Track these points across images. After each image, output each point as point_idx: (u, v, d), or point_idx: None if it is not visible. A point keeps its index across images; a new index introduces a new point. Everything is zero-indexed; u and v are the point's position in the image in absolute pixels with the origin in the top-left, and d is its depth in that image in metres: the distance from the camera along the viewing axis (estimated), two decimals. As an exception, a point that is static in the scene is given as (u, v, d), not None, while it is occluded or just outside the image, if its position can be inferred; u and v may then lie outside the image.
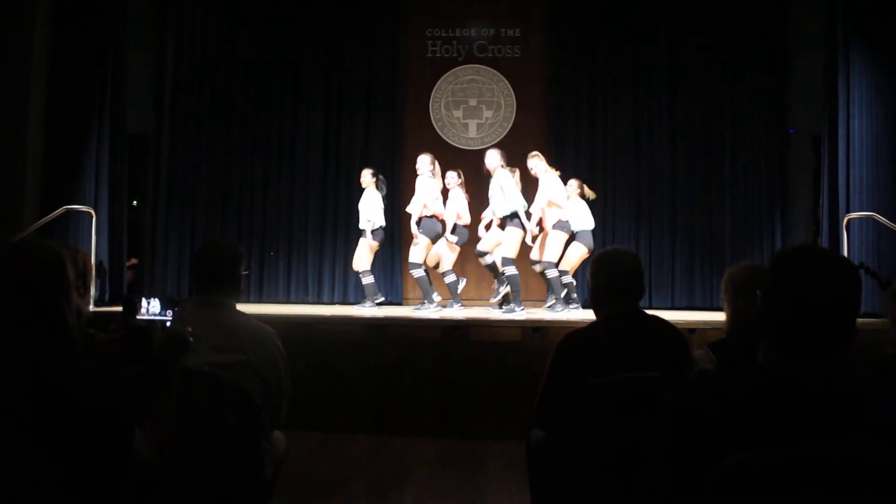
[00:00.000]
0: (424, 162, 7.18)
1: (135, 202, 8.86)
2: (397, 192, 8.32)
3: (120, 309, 1.98)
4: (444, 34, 8.93)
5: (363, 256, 7.37)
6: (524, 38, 8.89)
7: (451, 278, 7.09)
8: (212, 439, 2.24)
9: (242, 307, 2.71)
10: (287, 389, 2.65)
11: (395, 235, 8.39)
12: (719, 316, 3.76)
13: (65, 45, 6.98)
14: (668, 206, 8.39)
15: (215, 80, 8.57)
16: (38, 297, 1.70)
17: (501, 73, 8.90)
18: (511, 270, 6.66)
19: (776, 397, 1.40)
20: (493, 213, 6.94)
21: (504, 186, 6.66)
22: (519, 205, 6.64)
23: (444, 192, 7.19)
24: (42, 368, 1.62)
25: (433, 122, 8.89)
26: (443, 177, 7.22)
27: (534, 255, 7.05)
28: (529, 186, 7.01)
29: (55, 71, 6.95)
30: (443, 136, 8.82)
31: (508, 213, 6.65)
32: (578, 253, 7.00)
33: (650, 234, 8.41)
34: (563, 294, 6.86)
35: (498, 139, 8.53)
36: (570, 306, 6.95)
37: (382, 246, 7.64)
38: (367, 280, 7.39)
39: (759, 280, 1.56)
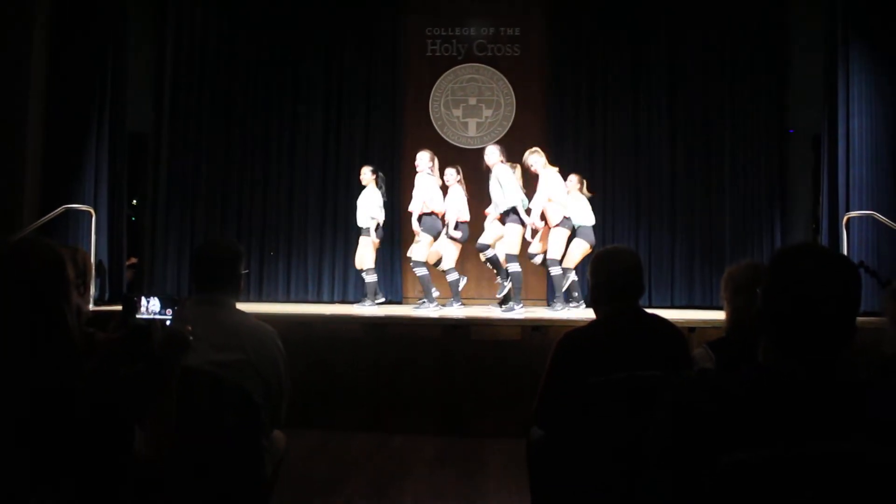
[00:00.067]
0: (423, 159, 7.18)
1: (134, 201, 8.86)
2: (397, 191, 8.32)
3: (119, 308, 1.98)
4: (443, 33, 8.93)
5: (366, 255, 7.37)
6: (524, 37, 8.90)
7: (452, 276, 7.08)
8: (212, 438, 2.24)
9: (242, 306, 2.71)
10: (287, 388, 2.65)
11: (395, 234, 8.39)
12: (719, 315, 3.76)
13: (65, 45, 6.98)
14: (667, 205, 8.39)
15: (215, 79, 8.57)
16: (37, 297, 1.70)
17: (501, 72, 8.90)
18: (514, 267, 6.66)
19: (776, 396, 1.40)
20: (494, 209, 6.93)
21: (503, 182, 6.66)
22: (518, 200, 6.65)
23: (444, 189, 7.19)
24: (42, 367, 1.62)
25: (433, 120, 8.89)
26: (441, 173, 7.22)
27: (533, 249, 7.06)
28: (530, 183, 7.02)
29: (55, 70, 6.95)
30: (442, 135, 8.82)
31: (507, 209, 6.65)
32: (580, 249, 7.01)
33: (650, 232, 8.41)
34: (563, 291, 6.87)
35: (497, 138, 8.52)
36: (571, 304, 6.95)
37: (382, 244, 7.64)
38: (370, 278, 7.38)
39: (759, 279, 1.56)
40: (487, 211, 7.20)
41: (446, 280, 7.18)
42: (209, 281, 2.62)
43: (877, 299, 5.31)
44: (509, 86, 8.87)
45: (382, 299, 7.50)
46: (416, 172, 7.23)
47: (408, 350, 5.53)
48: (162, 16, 8.43)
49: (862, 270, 6.05)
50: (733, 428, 1.37)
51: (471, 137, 8.85)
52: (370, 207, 7.32)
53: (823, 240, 7.20)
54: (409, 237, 7.97)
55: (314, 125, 8.70)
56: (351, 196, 7.98)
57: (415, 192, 7.18)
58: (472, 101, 8.90)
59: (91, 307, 5.77)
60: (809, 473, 1.33)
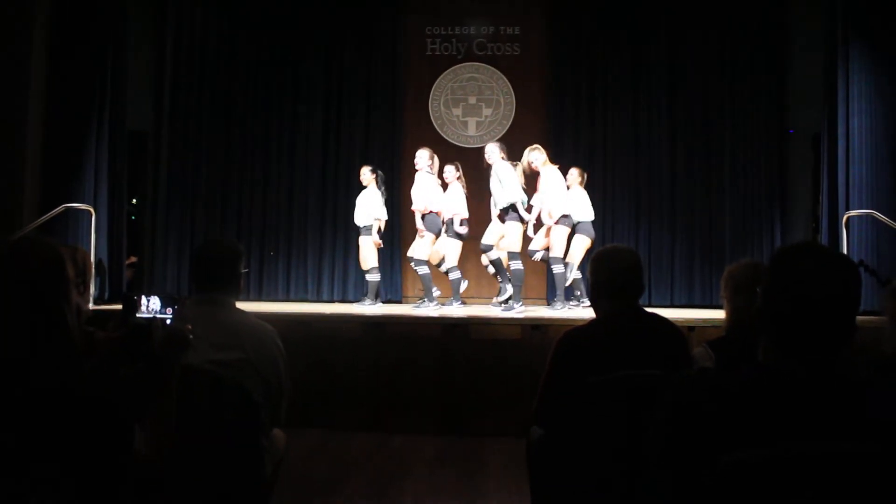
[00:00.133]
0: (423, 157, 7.18)
1: (134, 200, 8.87)
2: (397, 191, 8.32)
3: (119, 307, 1.98)
4: (443, 32, 8.93)
5: (368, 255, 7.36)
6: (524, 37, 8.90)
7: (455, 275, 7.06)
8: (211, 437, 2.24)
9: (242, 305, 2.71)
10: (287, 388, 2.65)
11: (395, 233, 8.39)
12: (719, 314, 3.76)
13: (65, 45, 6.97)
14: (667, 205, 8.39)
15: (215, 79, 8.58)
16: (37, 296, 1.70)
17: (501, 71, 8.90)
18: (517, 265, 6.67)
19: (776, 395, 1.40)
20: (494, 206, 6.92)
21: (503, 179, 6.66)
22: (518, 197, 6.64)
23: (443, 187, 7.19)
24: (42, 367, 1.62)
25: (433, 120, 8.89)
26: (441, 171, 7.22)
27: (534, 246, 7.06)
28: (530, 180, 7.03)
29: (55, 70, 6.95)
30: (442, 134, 8.82)
31: (507, 205, 6.65)
32: (582, 245, 7.03)
33: (650, 232, 8.41)
34: (566, 289, 6.88)
35: (497, 137, 8.51)
36: (571, 303, 6.96)
37: (382, 243, 7.63)
38: (372, 278, 7.38)
39: (759, 278, 1.56)
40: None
41: (448, 279, 7.17)
42: (209, 280, 2.62)
43: (877, 298, 5.31)
44: (509, 85, 8.87)
45: (379, 303, 7.46)
46: (416, 171, 7.23)
47: (408, 349, 5.53)
48: (162, 16, 8.43)
49: (862, 270, 6.04)
50: (733, 427, 1.37)
51: (470, 136, 8.85)
52: (372, 207, 7.32)
53: (823, 239, 7.20)
54: (409, 237, 7.98)
55: (314, 125, 8.70)
56: (351, 196, 7.98)
57: (416, 191, 7.18)
58: (472, 100, 8.90)
59: (91, 306, 5.78)
60: (809, 473, 1.33)
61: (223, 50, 8.62)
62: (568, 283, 6.92)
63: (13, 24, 6.71)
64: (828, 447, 1.34)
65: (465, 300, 7.39)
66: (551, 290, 7.39)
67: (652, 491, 1.47)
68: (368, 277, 7.42)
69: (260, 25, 8.64)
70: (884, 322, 2.65)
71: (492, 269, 7.11)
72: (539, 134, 8.32)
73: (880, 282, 6.01)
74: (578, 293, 7.02)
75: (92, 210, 6.76)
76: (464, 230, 7.03)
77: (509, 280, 6.73)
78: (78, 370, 1.66)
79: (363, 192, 7.46)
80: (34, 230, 6.24)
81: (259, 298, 8.36)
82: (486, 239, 6.92)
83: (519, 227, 6.68)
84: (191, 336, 1.93)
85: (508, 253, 6.70)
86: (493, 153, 6.81)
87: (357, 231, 7.54)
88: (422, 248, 7.07)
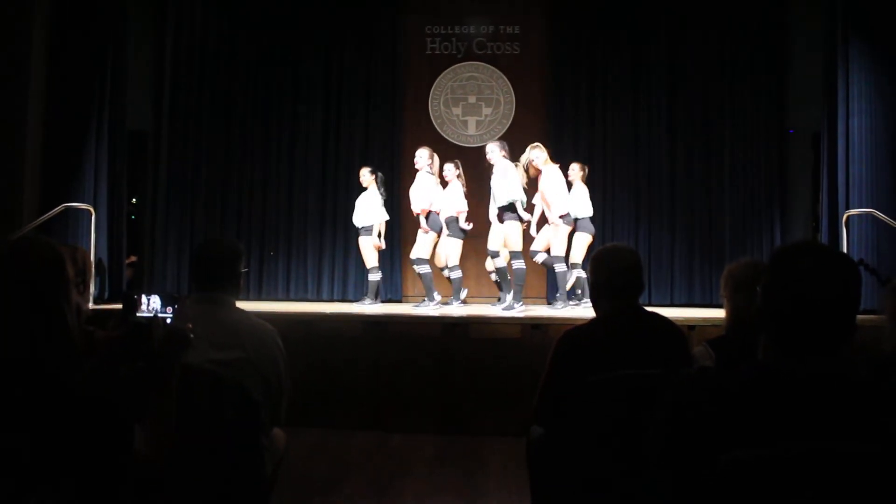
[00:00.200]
0: (423, 156, 7.18)
1: (134, 199, 8.87)
2: (397, 191, 8.32)
3: (119, 306, 1.98)
4: (443, 31, 8.93)
5: (368, 255, 7.36)
6: (524, 36, 8.90)
7: (456, 274, 7.04)
8: (211, 437, 2.24)
9: (242, 304, 2.72)
10: (287, 387, 2.65)
11: (395, 233, 8.38)
12: (719, 313, 3.75)
13: (64, 45, 6.97)
14: (667, 204, 8.39)
15: (215, 79, 8.57)
16: (37, 296, 1.70)
17: (501, 71, 8.90)
18: (518, 264, 6.67)
19: (775, 394, 1.40)
20: (493, 204, 6.90)
21: (505, 177, 6.65)
22: (517, 196, 6.64)
23: (443, 185, 7.19)
24: (41, 367, 1.62)
25: (432, 119, 8.89)
26: (441, 169, 7.22)
27: (535, 247, 7.06)
28: (532, 179, 7.03)
29: (55, 70, 6.94)
30: (442, 134, 8.82)
31: (506, 204, 6.65)
32: (583, 242, 7.04)
33: (650, 231, 8.41)
34: (569, 288, 6.88)
35: (497, 136, 8.51)
36: (572, 302, 6.96)
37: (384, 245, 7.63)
38: (373, 277, 7.38)
39: (759, 277, 1.55)
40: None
41: (449, 278, 7.16)
42: (209, 280, 2.62)
43: (877, 297, 5.31)
44: (509, 84, 8.87)
45: (378, 303, 7.46)
46: (416, 170, 7.23)
47: (408, 349, 5.53)
48: (162, 16, 8.42)
49: (862, 268, 6.04)
50: (733, 426, 1.37)
51: (470, 136, 8.85)
52: (372, 209, 7.31)
53: (823, 238, 7.20)
54: (409, 236, 7.98)
55: (314, 125, 8.69)
56: (351, 196, 7.99)
57: (416, 191, 7.18)
58: (472, 99, 8.90)
59: (91, 305, 5.78)
60: (809, 472, 1.33)
61: (223, 50, 8.62)
62: (570, 284, 6.92)
63: (13, 24, 6.71)
64: (828, 447, 1.34)
65: (466, 300, 7.38)
66: (551, 289, 7.39)
67: (652, 490, 1.47)
68: (369, 277, 7.42)
69: (260, 25, 8.64)
70: (883, 321, 2.64)
71: (495, 277, 7.09)
72: (539, 133, 8.31)
73: (880, 281, 6.01)
74: (580, 292, 7.01)
75: (92, 210, 6.76)
76: (468, 226, 7.02)
77: (510, 291, 6.70)
78: (78, 370, 1.66)
79: (363, 194, 7.46)
80: (34, 230, 6.24)
81: (259, 298, 8.36)
82: (492, 245, 6.86)
83: (518, 225, 6.68)
84: (191, 335, 1.93)
85: (511, 252, 6.70)
86: (495, 152, 6.81)
87: (356, 232, 7.53)
88: (423, 247, 7.06)
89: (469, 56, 8.92)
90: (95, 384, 1.64)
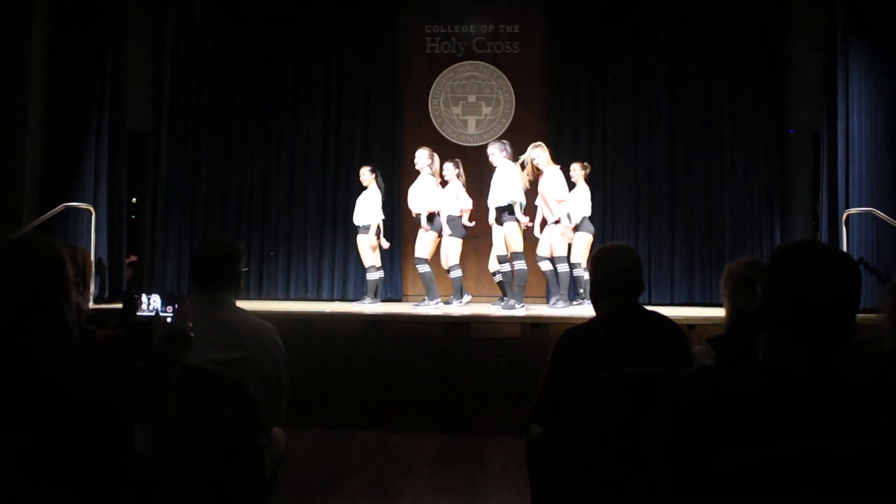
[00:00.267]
0: (422, 157, 7.18)
1: (134, 199, 8.87)
2: (397, 190, 8.32)
3: (120, 306, 1.98)
4: (442, 30, 8.93)
5: (366, 254, 7.36)
6: (523, 35, 8.89)
7: (456, 273, 7.03)
8: (211, 436, 2.24)
9: (242, 304, 2.72)
10: (287, 386, 2.65)
11: (395, 233, 8.38)
12: (719, 312, 3.75)
13: (64, 45, 6.97)
14: (667, 204, 8.40)
15: (215, 79, 8.58)
16: (37, 295, 1.70)
17: (500, 70, 8.90)
18: (520, 265, 6.66)
19: (775, 393, 1.40)
20: (491, 204, 6.89)
21: (506, 178, 6.65)
22: (517, 199, 6.63)
23: (443, 184, 7.19)
24: (41, 367, 1.62)
25: (432, 118, 8.89)
26: (441, 168, 7.21)
27: (541, 252, 7.05)
28: (533, 181, 7.04)
29: (54, 70, 6.94)
30: (442, 133, 8.82)
31: (504, 206, 6.64)
32: (584, 241, 7.05)
33: (650, 230, 8.42)
34: (570, 287, 6.90)
35: (497, 136, 8.51)
36: (575, 302, 6.96)
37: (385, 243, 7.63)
38: (371, 276, 7.37)
39: (759, 276, 1.55)
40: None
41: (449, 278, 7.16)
42: (209, 279, 2.62)
43: (876, 296, 5.31)
44: (509, 83, 8.87)
45: (378, 302, 7.46)
46: (417, 170, 7.23)
47: (408, 348, 5.53)
48: (162, 16, 8.43)
49: (861, 267, 6.04)
50: (733, 426, 1.37)
51: (470, 135, 8.85)
52: (371, 208, 7.31)
53: (823, 237, 7.21)
54: (409, 236, 7.98)
55: (314, 125, 8.70)
56: (351, 195, 7.99)
57: (416, 192, 7.18)
58: (472, 98, 8.90)
59: (91, 305, 5.78)
60: (809, 472, 1.32)
61: (223, 50, 8.62)
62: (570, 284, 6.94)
63: (13, 24, 6.71)
64: (828, 446, 1.34)
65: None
66: (553, 288, 7.40)
67: (652, 490, 1.47)
68: (367, 276, 7.42)
69: (260, 25, 8.64)
70: (883, 319, 2.64)
71: (499, 278, 7.07)
72: (539, 133, 8.32)
73: (880, 279, 6.02)
74: (582, 291, 7.01)
75: (92, 209, 6.76)
76: (471, 224, 7.01)
77: (511, 298, 6.69)
78: (78, 370, 1.66)
79: (363, 193, 7.46)
80: (34, 229, 6.25)
81: (259, 297, 8.36)
82: (498, 249, 6.86)
83: (517, 226, 6.67)
84: (191, 334, 1.93)
85: (513, 253, 6.69)
86: (496, 154, 6.80)
87: (356, 231, 7.53)
88: (424, 246, 7.06)
89: (469, 55, 8.92)
90: (95, 384, 1.64)
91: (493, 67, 8.90)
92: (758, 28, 8.33)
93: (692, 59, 8.43)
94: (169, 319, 1.90)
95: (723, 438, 1.35)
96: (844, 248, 6.40)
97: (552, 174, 6.92)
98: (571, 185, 7.15)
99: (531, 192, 7.05)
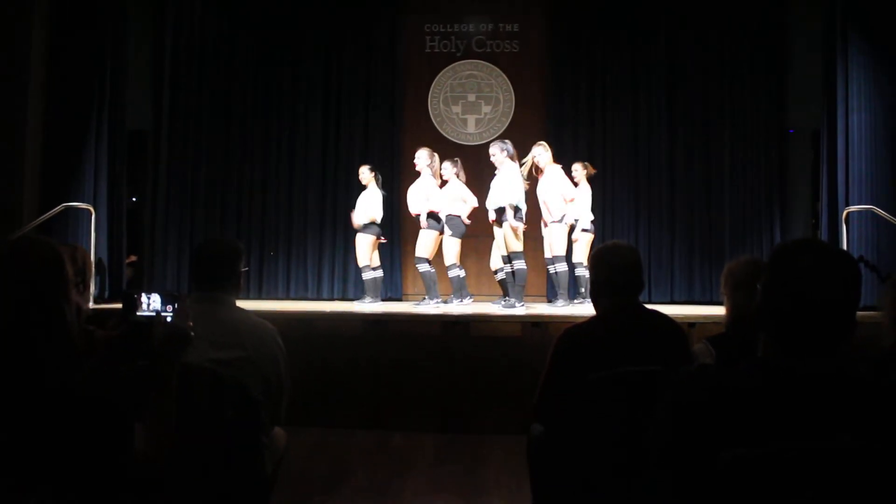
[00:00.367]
0: (422, 157, 7.17)
1: (134, 199, 8.87)
2: (397, 190, 8.31)
3: (119, 305, 1.98)
4: (442, 29, 8.92)
5: (362, 253, 7.35)
6: (523, 34, 8.89)
7: (454, 272, 7.03)
8: (212, 436, 2.24)
9: (242, 304, 2.71)
10: (287, 386, 2.65)
11: (395, 232, 8.38)
12: (719, 310, 3.75)
13: (64, 44, 6.97)
14: (667, 204, 8.40)
15: (215, 79, 8.57)
16: (37, 295, 1.70)
17: (500, 69, 8.90)
18: (520, 264, 6.66)
19: (776, 392, 1.40)
20: (490, 206, 6.87)
21: (506, 180, 6.65)
22: (516, 200, 6.63)
23: (443, 184, 7.19)
24: (41, 366, 1.62)
25: (432, 117, 8.88)
26: (441, 168, 7.21)
27: (547, 253, 7.05)
28: (534, 181, 7.04)
29: (54, 69, 6.94)
30: (441, 132, 8.81)
31: (501, 207, 6.64)
32: (585, 240, 7.05)
33: (649, 229, 8.42)
34: (570, 286, 6.91)
35: (497, 135, 8.51)
36: (576, 301, 6.96)
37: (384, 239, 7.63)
38: (367, 276, 7.37)
39: (759, 274, 1.55)
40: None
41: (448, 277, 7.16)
42: (209, 279, 2.62)
43: (876, 294, 5.31)
44: (508, 82, 8.86)
45: (379, 301, 7.45)
46: (417, 170, 7.22)
47: (408, 347, 5.53)
48: (161, 16, 8.42)
49: (862, 265, 6.05)
50: (733, 424, 1.37)
51: (470, 134, 8.84)
52: (371, 207, 7.31)
53: (823, 235, 7.21)
54: (409, 236, 7.98)
55: (314, 125, 8.69)
56: (351, 195, 7.99)
57: (415, 191, 7.17)
58: (472, 97, 8.89)
59: (91, 305, 5.78)
60: (809, 470, 1.32)
61: (223, 49, 8.62)
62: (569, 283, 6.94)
63: (13, 24, 6.71)
64: (828, 444, 1.34)
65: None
66: (551, 287, 7.39)
67: (652, 488, 1.47)
68: (363, 276, 7.41)
69: (260, 25, 8.63)
70: (883, 317, 2.64)
71: (501, 276, 7.06)
72: (539, 133, 8.31)
73: (880, 277, 6.03)
74: (583, 290, 7.01)
75: (91, 209, 6.76)
76: (468, 221, 7.01)
77: (512, 299, 6.69)
78: (78, 369, 1.66)
79: (363, 193, 7.46)
80: (34, 229, 6.25)
81: (259, 297, 8.36)
82: (502, 249, 6.85)
83: (517, 225, 6.66)
84: (192, 333, 1.93)
85: (512, 253, 6.69)
86: (497, 154, 6.79)
87: (355, 230, 7.54)
88: (424, 246, 7.06)
89: (468, 54, 8.92)
90: (95, 384, 1.64)
91: (493, 66, 8.90)
92: (757, 28, 8.33)
93: (692, 58, 8.43)
94: (169, 319, 1.90)
95: (723, 437, 1.35)
96: (844, 246, 6.41)
97: (553, 174, 6.92)
98: (575, 185, 7.14)
99: (531, 192, 7.04)
